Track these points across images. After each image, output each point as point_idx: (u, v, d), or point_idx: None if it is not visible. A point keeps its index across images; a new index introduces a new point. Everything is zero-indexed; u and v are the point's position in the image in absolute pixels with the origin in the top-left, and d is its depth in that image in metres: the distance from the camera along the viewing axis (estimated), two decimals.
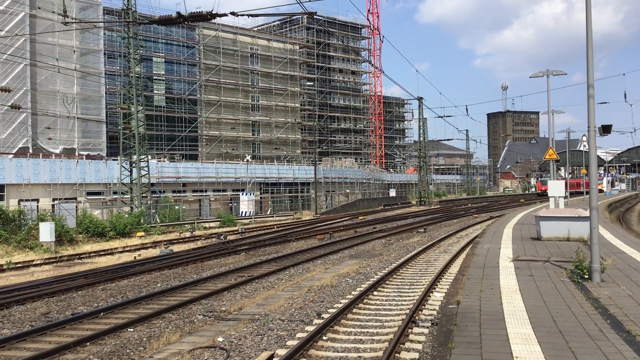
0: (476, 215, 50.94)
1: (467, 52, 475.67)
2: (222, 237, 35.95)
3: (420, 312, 12.84)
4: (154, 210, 45.37)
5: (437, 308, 13.04)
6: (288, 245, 30.86)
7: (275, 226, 45.48)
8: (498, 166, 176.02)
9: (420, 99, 79.31)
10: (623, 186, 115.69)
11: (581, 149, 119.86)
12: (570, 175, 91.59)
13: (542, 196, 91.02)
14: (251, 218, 52.66)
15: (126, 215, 40.46)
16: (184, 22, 13.65)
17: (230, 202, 58.65)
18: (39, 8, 48.02)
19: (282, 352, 10.18)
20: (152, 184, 47.49)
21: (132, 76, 44.24)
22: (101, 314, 14.55)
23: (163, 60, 68.49)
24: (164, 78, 68.66)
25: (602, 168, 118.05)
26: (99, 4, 55.56)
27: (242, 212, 54.72)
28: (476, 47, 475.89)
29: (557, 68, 36.00)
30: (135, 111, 44.19)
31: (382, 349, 10.30)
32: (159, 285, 19.03)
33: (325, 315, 12.91)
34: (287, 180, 65.33)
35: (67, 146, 51.94)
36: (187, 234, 38.76)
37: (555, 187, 28.61)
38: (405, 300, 14.58)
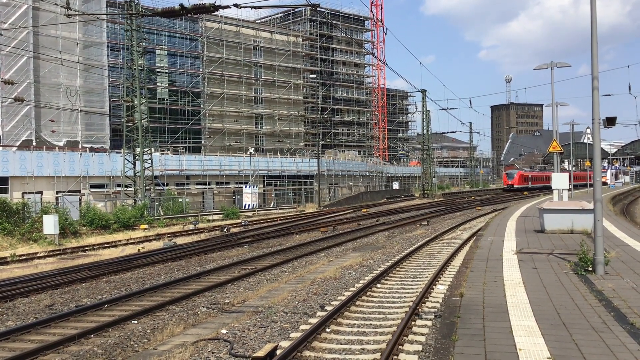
0: (479, 208, 50.89)
1: (473, 44, 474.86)
2: (225, 230, 35.99)
3: (423, 304, 12.84)
4: (157, 203, 45.45)
5: (440, 301, 13.04)
6: (291, 238, 30.88)
7: (278, 219, 45.51)
8: (502, 159, 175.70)
9: (423, 91, 79.08)
10: (627, 179, 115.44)
11: (585, 141, 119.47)
12: (574, 168, 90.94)
13: (509, 191, 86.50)
14: (254, 211, 52.70)
15: (130, 208, 40.53)
16: (186, 14, 13.61)
17: (234, 195, 58.69)
18: (42, 0, 47.95)
19: (285, 344, 10.20)
20: (156, 177, 47.53)
21: (135, 69, 44.20)
22: (105, 306, 14.59)
23: (166, 52, 68.33)
24: (167, 70, 68.55)
25: (606, 160, 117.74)
26: None
27: (245, 204, 54.75)
28: (482, 40, 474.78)
29: (564, 60, 35.89)
30: (139, 104, 44.17)
31: (385, 341, 10.31)
32: (162, 277, 19.08)
33: (329, 308, 12.92)
34: (291, 173, 65.32)
35: (71, 139, 51.97)
36: (191, 227, 38.82)
37: (559, 180, 28.51)
38: (408, 293, 14.58)
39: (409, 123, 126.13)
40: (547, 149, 38.95)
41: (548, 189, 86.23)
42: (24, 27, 47.49)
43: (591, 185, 38.36)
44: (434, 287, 14.71)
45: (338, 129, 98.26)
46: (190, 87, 69.17)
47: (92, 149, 50.39)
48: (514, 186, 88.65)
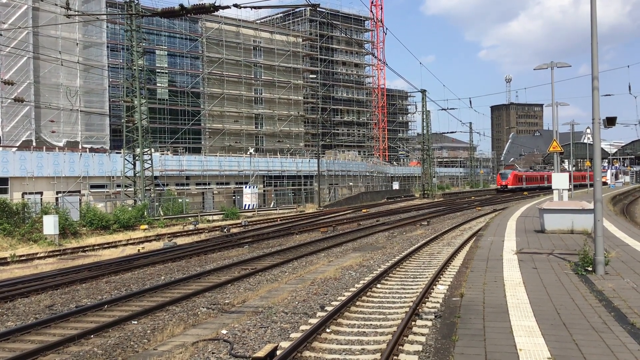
0: (480, 208, 50.87)
1: (473, 44, 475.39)
2: (225, 230, 35.99)
3: (423, 304, 12.83)
4: (157, 203, 45.44)
5: (440, 301, 13.03)
6: (291, 238, 30.87)
7: (278, 219, 45.51)
8: (502, 159, 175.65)
9: (423, 91, 79.10)
10: (627, 179, 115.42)
11: (585, 141, 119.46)
12: (574, 168, 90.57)
13: (504, 193, 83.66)
14: (254, 211, 52.69)
15: (130, 208, 40.52)
16: (186, 14, 13.61)
17: (234, 195, 58.68)
18: (42, 1, 47.91)
19: (285, 344, 10.19)
20: (156, 177, 47.52)
21: (135, 69, 44.19)
22: (105, 306, 14.58)
23: (166, 53, 68.34)
24: (167, 71, 68.54)
25: (606, 160, 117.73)
26: None
27: (245, 205, 54.75)
28: (482, 40, 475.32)
29: (564, 60, 35.90)
30: (139, 104, 44.16)
31: (385, 341, 10.30)
32: (162, 278, 19.07)
33: (329, 308, 12.91)
34: (290, 173, 65.31)
35: (71, 139, 51.96)
36: (191, 227, 38.82)
37: (560, 180, 28.50)
38: (408, 293, 14.57)
39: (409, 123, 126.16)
40: (547, 149, 38.95)
41: (543, 190, 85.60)
42: (23, 28, 47.48)
43: (591, 185, 38.43)
44: (434, 287, 14.70)
45: (338, 129, 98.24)
46: (190, 88, 69.15)
47: (92, 150, 50.37)
48: (508, 186, 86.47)
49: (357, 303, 13.48)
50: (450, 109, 69.90)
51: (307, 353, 9.84)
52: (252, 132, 76.17)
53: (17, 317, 14.05)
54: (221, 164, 57.91)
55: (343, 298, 13.89)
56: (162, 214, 43.75)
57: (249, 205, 54.32)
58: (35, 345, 11.18)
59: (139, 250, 27.81)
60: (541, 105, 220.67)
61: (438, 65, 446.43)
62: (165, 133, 66.02)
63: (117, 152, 48.67)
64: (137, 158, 44.34)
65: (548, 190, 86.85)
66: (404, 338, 10.24)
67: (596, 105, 13.56)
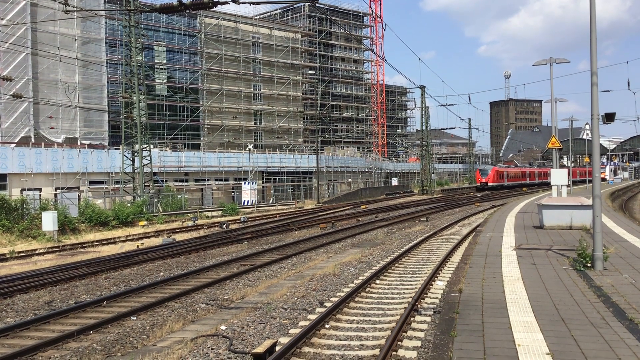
0: (478, 204, 50.87)
1: (473, 40, 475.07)
2: (224, 226, 35.97)
3: (422, 300, 12.84)
4: (156, 200, 45.41)
5: (439, 296, 13.05)
6: (290, 234, 30.88)
7: (277, 215, 45.50)
8: (501, 155, 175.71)
9: (422, 87, 79.15)
10: (626, 174, 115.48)
11: (584, 137, 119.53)
12: (573, 164, 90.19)
13: (483, 190, 79.92)
14: (253, 207, 52.67)
15: (129, 205, 40.50)
16: (185, 10, 13.54)
17: (233, 191, 58.65)
18: None
19: (284, 340, 10.21)
20: (154, 173, 47.50)
21: (133, 65, 44.11)
22: (104, 302, 14.59)
23: (165, 49, 68.24)
24: (165, 67, 68.46)
25: (605, 156, 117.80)
26: None
27: (244, 201, 54.73)
28: (482, 35, 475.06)
29: (563, 56, 35.91)
30: (137, 100, 44.10)
31: (384, 337, 10.32)
32: (161, 274, 19.07)
33: (328, 304, 12.93)
34: (289, 169, 65.29)
35: (69, 135, 51.91)
36: (190, 223, 38.81)
37: (558, 176, 28.50)
38: (407, 289, 14.59)
39: (408, 119, 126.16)
40: (546, 145, 38.95)
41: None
42: (22, 24, 47.39)
43: (590, 181, 38.63)
44: (433, 283, 14.72)
45: (337, 125, 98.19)
46: (188, 84, 69.07)
47: (90, 146, 50.31)
48: (489, 184, 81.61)
49: (356, 299, 13.49)
50: (449, 105, 69.75)
51: (306, 349, 9.85)
52: (251, 128, 76.12)
53: (16, 313, 14.05)
54: (220, 160, 57.86)
55: (342, 294, 13.90)
56: (161, 210, 43.74)
57: (248, 201, 54.32)
58: (35, 342, 11.18)
59: (137, 246, 27.80)
60: (540, 101, 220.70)
61: (437, 61, 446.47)
62: (164, 129, 65.98)
63: (115, 148, 48.62)
64: (135, 154, 44.30)
65: (532, 187, 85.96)
66: (403, 334, 10.26)
67: (595, 101, 13.55)
